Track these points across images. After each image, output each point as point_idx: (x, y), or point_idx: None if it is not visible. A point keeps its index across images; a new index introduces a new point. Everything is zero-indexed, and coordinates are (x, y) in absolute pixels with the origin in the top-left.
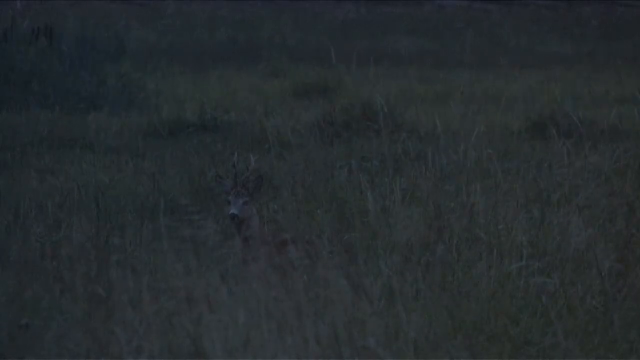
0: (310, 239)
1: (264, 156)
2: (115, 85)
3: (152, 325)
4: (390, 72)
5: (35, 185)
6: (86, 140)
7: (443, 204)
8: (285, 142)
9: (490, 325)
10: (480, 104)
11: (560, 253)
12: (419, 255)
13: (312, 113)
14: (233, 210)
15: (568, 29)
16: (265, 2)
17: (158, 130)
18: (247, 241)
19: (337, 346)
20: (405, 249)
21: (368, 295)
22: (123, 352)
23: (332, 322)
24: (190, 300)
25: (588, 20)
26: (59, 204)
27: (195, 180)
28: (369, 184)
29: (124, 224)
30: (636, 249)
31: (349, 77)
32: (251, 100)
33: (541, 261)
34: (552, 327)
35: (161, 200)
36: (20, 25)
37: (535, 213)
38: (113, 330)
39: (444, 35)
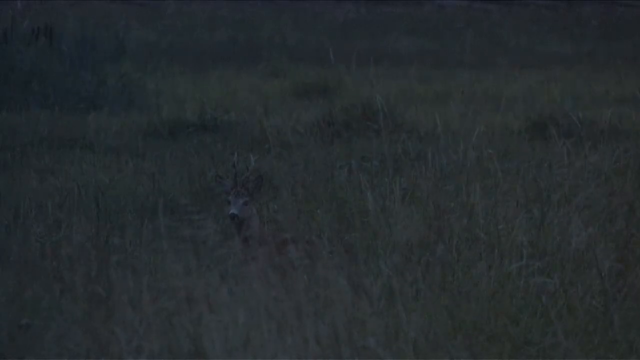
0: (310, 239)
1: (264, 156)
2: (115, 85)
3: (152, 325)
4: (390, 72)
5: (35, 185)
6: (86, 140)
7: (443, 204)
8: (285, 142)
9: (490, 325)
10: (480, 104)
11: (560, 253)
12: (419, 255)
13: (312, 113)
14: (233, 210)
15: (568, 29)
16: (265, 2)
17: (158, 130)
18: (247, 241)
19: (337, 346)
20: (405, 249)
21: (368, 295)
22: (123, 352)
23: (332, 322)
24: (190, 300)
25: (588, 20)
26: (59, 204)
27: (195, 180)
28: (369, 184)
29: (124, 224)
30: (636, 249)
31: (348, 77)
32: (251, 100)
33: (541, 261)
34: (552, 327)
35: (161, 200)
36: (20, 25)
37: (535, 213)
38: (113, 330)
39: (444, 35)
